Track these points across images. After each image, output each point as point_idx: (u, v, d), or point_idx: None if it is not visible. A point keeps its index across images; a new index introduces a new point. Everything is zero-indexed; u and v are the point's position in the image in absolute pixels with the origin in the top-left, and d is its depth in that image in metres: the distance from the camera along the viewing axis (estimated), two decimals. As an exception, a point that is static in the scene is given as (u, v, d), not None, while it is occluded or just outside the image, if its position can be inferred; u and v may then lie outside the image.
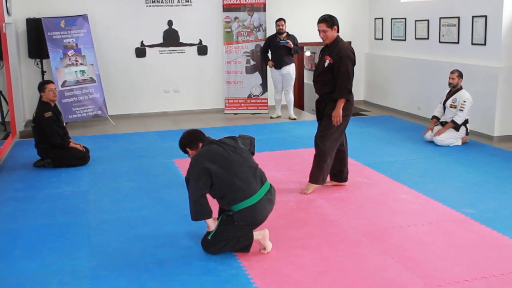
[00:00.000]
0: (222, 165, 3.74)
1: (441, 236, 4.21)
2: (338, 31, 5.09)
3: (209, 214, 3.81)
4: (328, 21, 5.04)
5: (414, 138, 7.64)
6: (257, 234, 3.94)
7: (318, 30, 5.10)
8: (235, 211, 3.80)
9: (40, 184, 5.78)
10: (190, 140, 3.96)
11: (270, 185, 4.01)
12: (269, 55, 9.25)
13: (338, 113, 5.04)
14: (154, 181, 5.83)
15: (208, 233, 3.90)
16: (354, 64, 5.08)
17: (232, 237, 3.85)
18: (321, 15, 5.19)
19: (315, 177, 5.26)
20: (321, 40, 5.27)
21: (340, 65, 4.97)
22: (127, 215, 4.78)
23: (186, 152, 4.02)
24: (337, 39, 5.09)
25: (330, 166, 5.29)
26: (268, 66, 9.37)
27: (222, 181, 3.74)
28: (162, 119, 9.55)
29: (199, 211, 3.77)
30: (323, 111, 5.23)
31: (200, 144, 3.94)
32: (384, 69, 10.31)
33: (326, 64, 5.08)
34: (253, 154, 4.16)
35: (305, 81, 11.99)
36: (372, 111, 10.21)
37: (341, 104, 5.03)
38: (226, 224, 3.85)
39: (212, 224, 3.88)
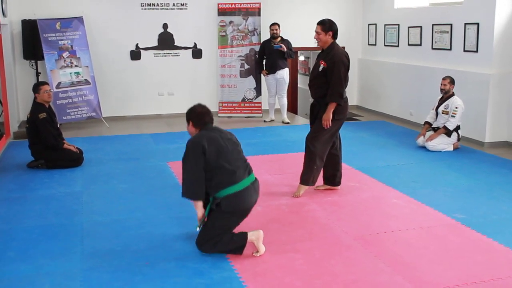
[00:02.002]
0: (216, 149, 3.86)
1: (432, 241, 4.25)
2: (334, 38, 5.14)
3: (200, 196, 3.87)
4: (324, 25, 5.11)
5: (406, 143, 7.69)
6: (251, 234, 3.97)
7: (315, 31, 5.18)
8: (222, 197, 3.86)
9: (34, 185, 5.77)
10: (200, 118, 4.03)
11: (256, 178, 4.10)
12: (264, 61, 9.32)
13: (328, 116, 5.09)
14: (147, 183, 5.85)
15: (198, 226, 3.97)
16: (347, 69, 5.14)
17: (222, 230, 3.90)
18: (317, 19, 5.26)
19: (305, 178, 5.30)
20: (315, 45, 5.33)
21: (333, 70, 5.03)
22: (120, 217, 4.79)
23: (188, 122, 4.09)
24: (333, 45, 5.15)
25: (321, 168, 5.33)
26: (262, 75, 9.42)
27: (213, 163, 3.84)
28: (156, 122, 9.57)
29: (194, 191, 3.85)
30: (316, 115, 5.28)
31: (202, 127, 4.02)
32: (377, 75, 10.38)
33: (320, 69, 5.14)
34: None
35: (298, 85, 12.04)
36: (364, 116, 10.27)
37: (331, 108, 5.08)
38: (215, 215, 3.91)
39: (200, 208, 3.91)
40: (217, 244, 3.92)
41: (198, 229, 4.01)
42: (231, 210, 3.90)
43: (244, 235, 3.95)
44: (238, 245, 3.95)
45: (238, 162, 3.95)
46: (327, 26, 5.11)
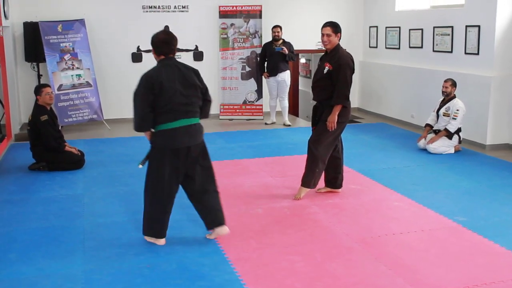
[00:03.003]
0: (162, 86, 3.93)
1: (433, 244, 4.25)
2: (339, 39, 5.17)
3: (148, 129, 4.07)
4: (335, 27, 5.13)
5: (407, 145, 7.69)
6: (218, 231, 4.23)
7: (322, 33, 5.16)
8: (155, 132, 4.04)
9: (35, 187, 5.78)
10: (159, 46, 4.07)
11: (196, 123, 4.11)
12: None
13: (333, 118, 5.09)
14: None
15: (140, 163, 4.22)
16: (353, 72, 5.15)
17: (155, 179, 4.11)
18: (318, 21, 5.26)
19: (307, 181, 5.30)
20: (316, 48, 5.34)
21: (339, 72, 5.04)
22: (121, 219, 4.79)
23: (151, 50, 4.15)
24: (338, 47, 5.16)
25: (322, 171, 5.33)
26: (263, 77, 9.44)
27: (158, 100, 3.95)
28: (157, 124, 9.56)
29: (141, 125, 4.05)
30: (319, 117, 5.28)
31: (163, 57, 4.09)
32: (378, 77, 10.38)
33: (325, 71, 5.13)
34: (208, 101, 4.28)
35: (300, 87, 12.06)
36: (366, 118, 10.28)
37: (337, 110, 5.09)
38: (151, 155, 4.15)
39: (149, 136, 4.12)
40: (145, 214, 4.21)
41: (140, 166, 4.18)
42: (161, 147, 4.03)
43: (159, 233, 4.19)
44: (151, 225, 4.20)
45: (180, 103, 3.98)
46: (337, 28, 5.13)
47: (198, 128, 4.12)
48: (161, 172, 4.07)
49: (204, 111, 4.26)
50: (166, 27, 9.75)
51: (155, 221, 4.21)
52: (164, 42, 4.08)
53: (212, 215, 4.24)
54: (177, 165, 4.06)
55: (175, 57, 4.18)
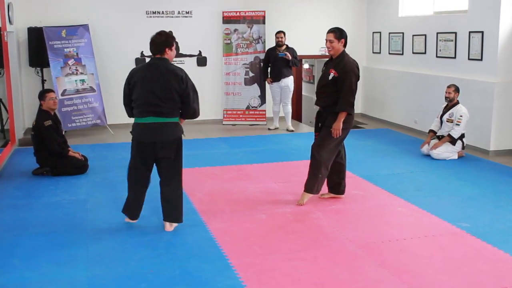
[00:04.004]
0: (135, 83, 4.40)
1: (436, 250, 4.24)
2: (345, 46, 5.17)
3: (131, 116, 4.58)
4: (337, 33, 5.14)
5: (410, 151, 7.69)
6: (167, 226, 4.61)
7: (326, 39, 5.19)
8: (133, 123, 4.51)
9: (39, 192, 5.79)
10: (150, 46, 4.50)
11: (170, 124, 4.38)
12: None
13: (338, 126, 5.09)
14: (151, 191, 5.82)
15: None
16: (358, 79, 5.15)
17: (132, 158, 4.56)
18: (321, 27, 5.27)
19: (310, 186, 5.30)
20: (319, 53, 5.34)
21: (345, 79, 5.04)
22: (124, 225, 4.79)
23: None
24: (343, 53, 5.17)
25: (325, 176, 5.33)
26: (266, 82, 9.45)
27: (132, 95, 4.45)
28: (160, 129, 9.57)
29: (127, 112, 4.59)
30: (322, 123, 5.29)
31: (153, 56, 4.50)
32: (382, 83, 10.39)
33: (330, 77, 5.14)
34: (186, 104, 4.46)
35: (303, 93, 12.07)
36: (369, 124, 10.27)
37: (342, 117, 5.09)
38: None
39: None
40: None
41: None
42: (133, 138, 4.51)
43: (129, 213, 4.72)
44: (125, 205, 4.73)
45: (144, 103, 4.35)
46: (339, 34, 5.14)
47: (165, 127, 4.37)
48: (132, 160, 4.58)
49: (183, 113, 4.52)
50: (170, 32, 9.79)
51: (127, 202, 4.73)
52: (151, 42, 4.48)
53: (166, 208, 4.61)
54: (144, 156, 4.47)
55: (180, 63, 4.29)
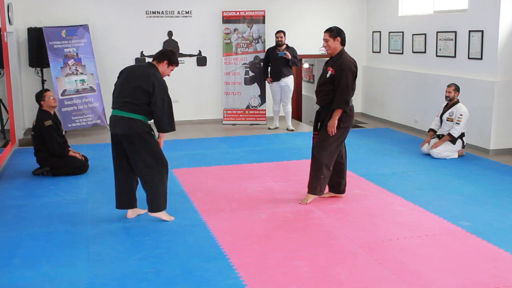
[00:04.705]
0: (120, 78, 4.78)
1: (437, 249, 4.24)
2: (343, 44, 5.18)
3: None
4: (332, 32, 5.15)
5: (411, 150, 7.69)
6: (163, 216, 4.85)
7: (323, 39, 5.22)
8: None
9: (39, 192, 5.80)
10: (158, 52, 4.87)
11: (131, 119, 4.58)
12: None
13: (333, 123, 5.09)
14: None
15: None
16: (355, 77, 5.15)
17: None
18: (321, 27, 5.28)
19: (313, 187, 5.30)
20: (319, 53, 5.35)
21: (341, 77, 5.04)
22: (125, 224, 4.80)
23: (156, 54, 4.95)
24: (341, 52, 5.17)
25: (328, 177, 5.32)
26: (266, 82, 9.46)
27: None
28: (160, 129, 9.57)
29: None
30: (322, 123, 5.29)
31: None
32: (382, 82, 10.39)
33: (328, 75, 5.15)
34: (154, 111, 4.65)
35: (303, 92, 12.07)
36: (369, 123, 10.28)
37: (337, 115, 5.09)
38: None
39: None
40: None
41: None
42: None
43: (117, 203, 4.88)
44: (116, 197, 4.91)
45: (119, 96, 4.67)
46: (334, 33, 5.14)
47: (126, 121, 4.59)
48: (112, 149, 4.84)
49: (154, 120, 4.69)
50: (170, 32, 9.82)
51: (115, 192, 4.91)
52: (161, 50, 4.91)
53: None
54: (113, 143, 4.77)
55: (180, 62, 4.40)
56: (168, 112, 4.68)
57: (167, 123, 4.69)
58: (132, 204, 4.91)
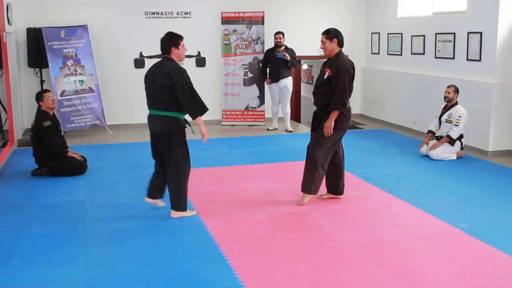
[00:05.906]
0: (145, 80, 4.91)
1: (435, 250, 4.24)
2: (340, 46, 5.19)
3: None
4: (329, 34, 5.17)
5: (409, 152, 7.70)
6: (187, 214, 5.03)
7: (320, 41, 5.24)
8: None
9: (38, 193, 5.79)
10: (162, 46, 4.86)
11: (165, 117, 4.78)
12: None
13: (329, 124, 5.10)
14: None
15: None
16: (352, 79, 5.16)
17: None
18: (320, 28, 5.30)
19: (307, 186, 5.30)
20: (318, 54, 5.36)
21: (338, 78, 5.05)
22: (124, 225, 4.80)
23: (157, 55, 5.21)
24: (339, 53, 5.19)
25: (323, 177, 5.33)
26: (265, 83, 9.46)
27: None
28: (159, 130, 9.57)
29: None
30: (319, 123, 5.29)
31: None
32: (380, 83, 10.40)
33: (325, 77, 5.16)
34: (180, 99, 4.75)
35: (302, 94, 12.08)
36: (368, 124, 10.28)
37: (334, 116, 5.10)
38: None
39: None
40: None
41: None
42: None
43: (148, 191, 5.12)
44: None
45: (149, 99, 4.87)
46: (331, 34, 5.16)
47: (161, 119, 4.80)
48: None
49: (184, 109, 4.83)
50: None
51: (149, 182, 5.18)
52: (161, 43, 4.85)
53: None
54: (151, 140, 4.98)
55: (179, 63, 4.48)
56: (190, 97, 4.72)
57: (194, 109, 4.78)
58: (160, 196, 5.18)
